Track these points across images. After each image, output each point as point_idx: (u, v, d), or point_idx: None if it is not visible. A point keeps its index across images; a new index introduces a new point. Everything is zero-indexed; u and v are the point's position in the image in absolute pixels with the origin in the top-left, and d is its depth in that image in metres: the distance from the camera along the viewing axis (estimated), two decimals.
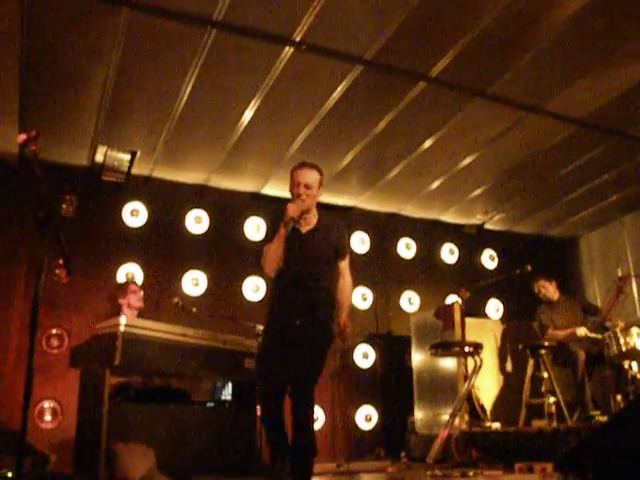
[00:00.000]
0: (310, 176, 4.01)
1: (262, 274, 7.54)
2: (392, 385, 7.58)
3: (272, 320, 3.98)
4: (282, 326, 3.88)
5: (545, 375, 6.40)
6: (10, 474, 4.68)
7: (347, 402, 7.71)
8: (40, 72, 5.34)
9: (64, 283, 6.60)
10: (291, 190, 3.99)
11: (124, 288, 5.79)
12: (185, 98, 5.67)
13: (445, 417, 6.36)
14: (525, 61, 5.40)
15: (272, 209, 7.89)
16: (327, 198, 7.93)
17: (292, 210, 3.83)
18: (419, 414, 7.12)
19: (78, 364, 5.04)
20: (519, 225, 9.20)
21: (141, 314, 5.80)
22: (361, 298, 8.20)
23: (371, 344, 7.96)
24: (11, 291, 6.43)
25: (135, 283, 5.88)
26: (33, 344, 2.72)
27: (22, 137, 3.25)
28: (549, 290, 6.91)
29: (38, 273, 2.82)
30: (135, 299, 5.72)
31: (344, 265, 4.09)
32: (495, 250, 9.37)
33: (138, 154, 6.69)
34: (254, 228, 7.87)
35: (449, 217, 8.82)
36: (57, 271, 6.71)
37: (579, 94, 5.90)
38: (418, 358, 7.36)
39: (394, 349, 7.85)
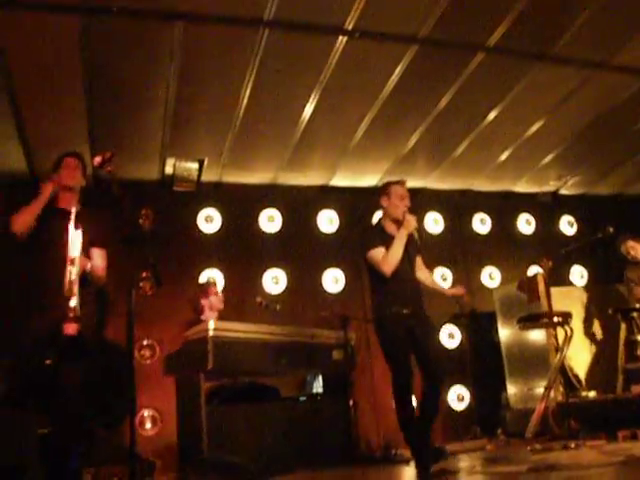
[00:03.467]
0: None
1: (340, 265, 7.63)
2: (481, 363, 7.49)
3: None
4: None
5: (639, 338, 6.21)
6: None
7: None
8: (104, 95, 5.52)
9: (150, 295, 6.86)
10: (398, 202, 4.60)
11: (205, 289, 5.91)
12: (245, 101, 5.74)
13: (539, 390, 6.26)
14: (585, 17, 5.21)
15: (343, 200, 7.93)
16: None
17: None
18: (512, 389, 7.04)
19: (172, 372, 5.19)
20: (596, 187, 8.90)
21: (221, 316, 5.90)
22: (441, 278, 8.13)
23: (455, 324, 7.88)
24: None
25: (215, 285, 5.97)
26: (132, 357, 2.82)
27: (97, 159, 3.35)
28: (638, 250, 6.69)
29: (129, 288, 2.92)
30: (216, 300, 5.83)
31: None
32: (573, 215, 9.12)
33: (206, 161, 6.81)
34: (327, 221, 7.89)
35: (522, 187, 8.63)
36: (141, 284, 6.95)
37: None
38: (505, 333, 7.26)
39: (479, 326, 7.75)
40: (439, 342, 4.66)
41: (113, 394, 6.08)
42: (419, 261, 4.80)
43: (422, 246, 4.77)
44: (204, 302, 5.82)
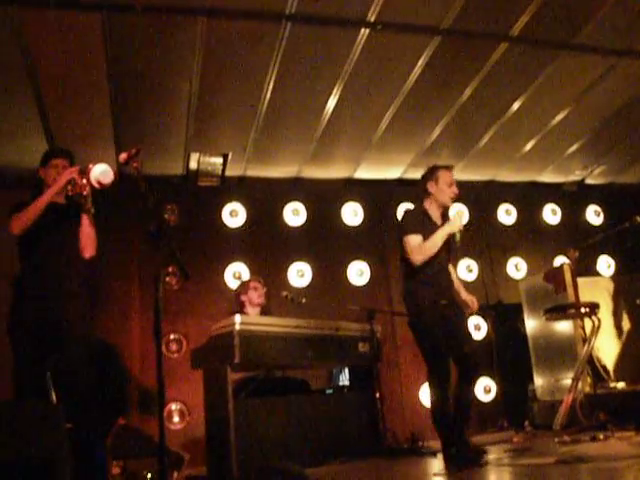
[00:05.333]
0: None
1: (365, 258, 7.63)
2: (508, 354, 7.44)
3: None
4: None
5: None
6: (149, 475, 4.92)
7: None
8: (128, 92, 5.56)
9: (176, 289, 6.91)
10: (445, 188, 4.56)
11: (245, 285, 5.96)
12: (269, 95, 5.75)
13: (567, 382, 6.21)
14: (609, 4, 5.14)
15: (367, 192, 7.93)
16: (420, 174, 7.85)
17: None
18: (539, 381, 6.99)
19: (200, 365, 5.23)
20: (622, 175, 8.79)
21: (264, 310, 5.95)
22: (466, 270, 8.10)
23: (482, 315, 7.84)
24: (129, 303, 6.73)
25: (257, 280, 6.01)
26: (160, 351, 2.85)
27: (123, 156, 3.38)
28: None
29: (156, 283, 2.94)
30: (256, 295, 5.87)
31: None
32: (599, 205, 9.02)
33: (230, 156, 6.84)
34: (351, 213, 7.89)
35: (547, 177, 8.55)
36: (167, 279, 7.00)
37: None
38: (532, 324, 7.22)
39: (506, 318, 7.71)
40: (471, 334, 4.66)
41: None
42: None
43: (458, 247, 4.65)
44: (244, 298, 5.88)
